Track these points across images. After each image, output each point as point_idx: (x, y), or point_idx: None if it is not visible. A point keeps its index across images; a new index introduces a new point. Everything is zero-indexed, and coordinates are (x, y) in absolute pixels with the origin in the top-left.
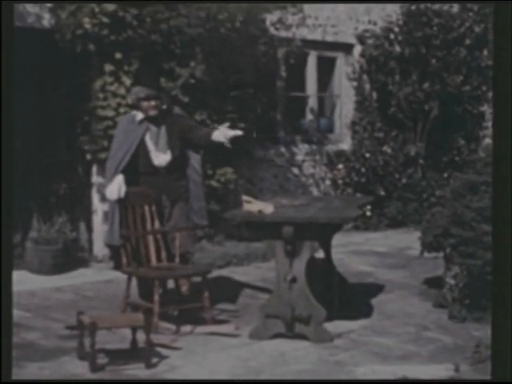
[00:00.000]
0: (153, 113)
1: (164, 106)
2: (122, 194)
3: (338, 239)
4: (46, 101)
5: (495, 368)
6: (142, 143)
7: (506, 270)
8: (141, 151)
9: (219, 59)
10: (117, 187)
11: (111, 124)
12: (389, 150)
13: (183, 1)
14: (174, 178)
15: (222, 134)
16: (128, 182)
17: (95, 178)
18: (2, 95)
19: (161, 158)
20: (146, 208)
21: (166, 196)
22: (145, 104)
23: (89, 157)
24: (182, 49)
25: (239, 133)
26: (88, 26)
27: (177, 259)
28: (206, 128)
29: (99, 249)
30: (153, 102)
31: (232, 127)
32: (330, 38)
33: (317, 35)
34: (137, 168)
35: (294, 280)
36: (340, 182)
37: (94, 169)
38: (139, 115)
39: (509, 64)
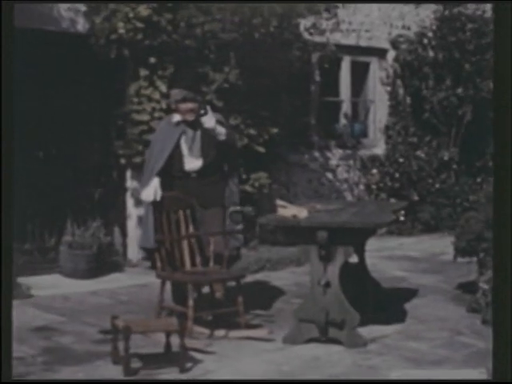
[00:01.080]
0: (190, 117)
1: (202, 111)
2: (158, 198)
3: (371, 244)
4: (81, 106)
5: (495, 368)
6: (177, 146)
7: (506, 268)
8: (175, 155)
9: (253, 64)
10: (153, 190)
11: (146, 128)
12: (422, 155)
13: (205, 1)
14: (205, 183)
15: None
16: (162, 186)
17: (129, 183)
18: (2, 96)
19: (192, 163)
20: (181, 213)
21: (196, 201)
22: (182, 107)
23: (123, 161)
24: (216, 53)
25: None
26: (122, 30)
27: (211, 264)
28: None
29: (133, 253)
30: (190, 105)
31: (265, 132)
32: (363, 43)
33: (351, 40)
34: (170, 172)
35: (328, 285)
36: (374, 186)
37: (129, 173)
38: (176, 117)
39: (509, 64)
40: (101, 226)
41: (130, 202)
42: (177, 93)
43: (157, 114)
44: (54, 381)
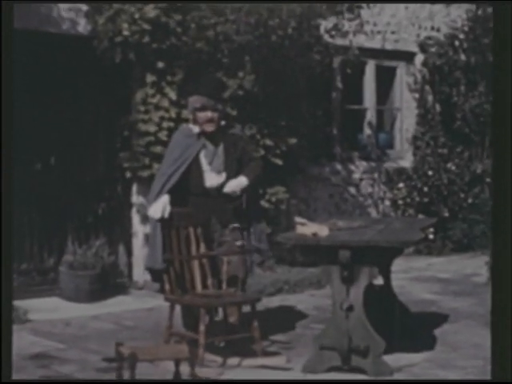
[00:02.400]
0: (209, 128)
1: (223, 122)
2: (166, 215)
3: (398, 264)
4: (83, 114)
5: (495, 368)
6: (196, 161)
7: (505, 270)
8: (193, 170)
9: (270, 69)
10: (161, 206)
11: (153, 140)
12: (453, 168)
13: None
14: (225, 200)
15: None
16: (175, 203)
17: (135, 198)
18: (2, 96)
19: (214, 179)
20: (191, 230)
21: (216, 219)
22: (201, 116)
23: (129, 175)
24: (230, 58)
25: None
26: (127, 33)
27: (224, 286)
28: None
29: (139, 274)
30: (209, 114)
31: (283, 142)
32: (389, 46)
33: (375, 43)
34: (186, 188)
35: (350, 308)
36: (400, 202)
37: (135, 188)
38: (195, 128)
39: (509, 64)
40: (104, 244)
41: (135, 218)
42: (195, 100)
43: (165, 124)
44: (53, 381)
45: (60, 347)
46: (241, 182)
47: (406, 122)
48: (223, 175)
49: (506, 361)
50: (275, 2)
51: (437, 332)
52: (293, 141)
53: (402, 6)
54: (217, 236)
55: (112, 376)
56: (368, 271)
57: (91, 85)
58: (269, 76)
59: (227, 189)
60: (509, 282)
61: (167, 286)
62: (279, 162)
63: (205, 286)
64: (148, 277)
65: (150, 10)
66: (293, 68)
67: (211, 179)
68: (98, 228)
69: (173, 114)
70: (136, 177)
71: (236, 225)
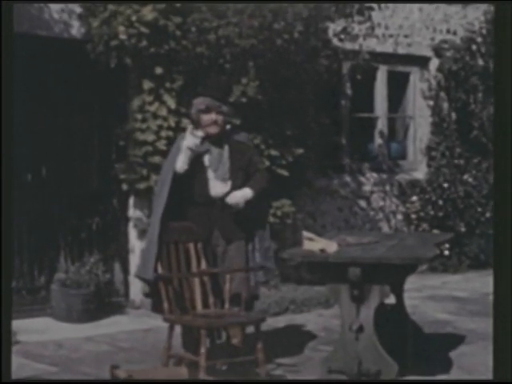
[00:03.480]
0: (213, 130)
1: (228, 126)
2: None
3: (411, 282)
4: (77, 122)
5: (495, 368)
6: (201, 167)
7: (506, 268)
8: (197, 177)
9: (275, 75)
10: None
11: (151, 150)
12: (470, 180)
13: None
14: (230, 212)
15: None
16: (174, 214)
17: (132, 212)
18: (2, 98)
19: (219, 187)
20: (191, 246)
21: (219, 233)
22: (205, 118)
23: (125, 187)
24: (233, 63)
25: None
26: (124, 36)
27: (226, 305)
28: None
29: (136, 293)
30: (213, 115)
31: (289, 153)
32: (402, 51)
33: (387, 47)
34: (188, 196)
35: (360, 329)
36: (414, 216)
37: (132, 201)
38: (199, 133)
39: (509, 64)
40: (99, 261)
41: (132, 233)
42: (200, 102)
43: (163, 134)
44: (53, 381)
45: (52, 370)
46: (246, 193)
47: (420, 130)
48: (228, 184)
49: (506, 361)
50: (280, 2)
51: (452, 354)
52: (299, 151)
53: (415, 7)
54: (220, 251)
55: None
56: (379, 290)
57: (85, 91)
58: (274, 82)
59: (231, 200)
60: (509, 280)
61: (166, 306)
62: (285, 173)
63: (206, 305)
64: (143, 292)
65: (148, 13)
66: (299, 74)
67: (216, 187)
68: (92, 244)
69: (172, 122)
70: (133, 189)
71: (240, 240)
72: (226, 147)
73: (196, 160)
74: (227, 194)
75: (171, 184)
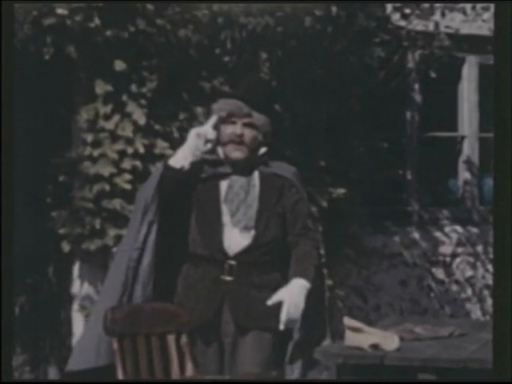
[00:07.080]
0: (235, 154)
1: (262, 150)
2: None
3: None
4: None
5: (495, 368)
6: (213, 202)
7: (506, 272)
8: (205, 216)
9: (300, 73)
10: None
11: (107, 189)
12: None
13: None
14: (251, 281)
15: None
16: (159, 275)
17: (78, 286)
18: (2, 99)
19: (237, 238)
20: (171, 339)
21: (230, 313)
22: (226, 132)
23: (67, 248)
24: (236, 54)
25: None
26: (64, 11)
27: None
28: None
29: None
30: (238, 128)
31: (324, 193)
32: None
33: (480, 28)
34: (184, 246)
35: None
36: None
37: (76, 269)
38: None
39: (509, 64)
40: (24, 364)
41: (77, 320)
42: (220, 106)
43: (127, 164)
44: (53, 381)
45: None
46: (300, 292)
47: None
48: (251, 234)
49: (506, 361)
50: (284, 2)
51: None
52: (339, 191)
53: None
54: (228, 344)
55: None
56: None
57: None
58: (298, 85)
59: (285, 317)
60: (509, 282)
61: None
62: (316, 226)
63: None
64: None
65: None
66: (339, 72)
67: (232, 238)
68: (13, 339)
69: (140, 147)
70: (79, 251)
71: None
72: (257, 179)
73: (208, 186)
74: (249, 250)
75: (153, 217)
